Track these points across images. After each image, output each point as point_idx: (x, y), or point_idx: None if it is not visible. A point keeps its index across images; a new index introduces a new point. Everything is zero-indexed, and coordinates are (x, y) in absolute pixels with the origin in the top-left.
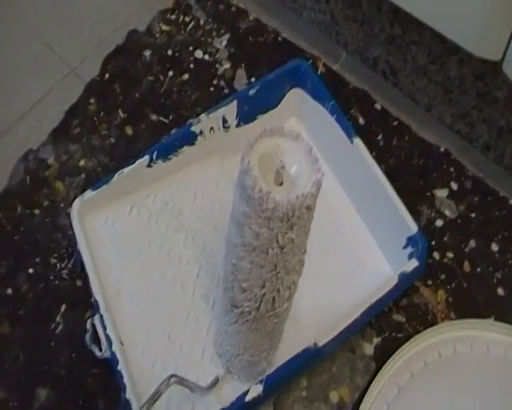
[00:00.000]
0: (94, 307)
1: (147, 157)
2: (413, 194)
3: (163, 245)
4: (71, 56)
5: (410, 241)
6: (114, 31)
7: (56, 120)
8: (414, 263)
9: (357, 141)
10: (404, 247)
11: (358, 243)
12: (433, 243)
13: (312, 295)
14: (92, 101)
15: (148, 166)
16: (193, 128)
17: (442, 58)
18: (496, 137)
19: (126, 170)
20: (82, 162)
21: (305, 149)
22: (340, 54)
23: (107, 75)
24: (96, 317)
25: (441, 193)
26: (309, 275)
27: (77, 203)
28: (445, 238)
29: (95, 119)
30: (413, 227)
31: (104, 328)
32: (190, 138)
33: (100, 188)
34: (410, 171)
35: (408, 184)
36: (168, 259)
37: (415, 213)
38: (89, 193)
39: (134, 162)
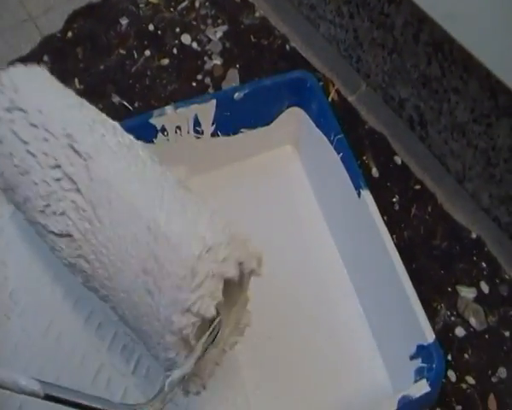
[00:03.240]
0: None
1: None
2: (430, 284)
3: None
4: (33, 3)
5: (422, 352)
6: None
7: None
8: (423, 386)
9: (366, 194)
10: (412, 357)
11: (350, 333)
12: (450, 357)
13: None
14: (46, 59)
15: None
16: (153, 120)
17: (490, 118)
18: None
19: None
20: None
21: None
22: (360, 84)
23: (70, 34)
24: None
25: (467, 292)
26: (290, 363)
27: None
28: (467, 355)
29: None
30: (428, 334)
31: None
32: (148, 132)
33: None
34: (430, 253)
35: (424, 268)
36: None
37: (429, 311)
38: None
39: None
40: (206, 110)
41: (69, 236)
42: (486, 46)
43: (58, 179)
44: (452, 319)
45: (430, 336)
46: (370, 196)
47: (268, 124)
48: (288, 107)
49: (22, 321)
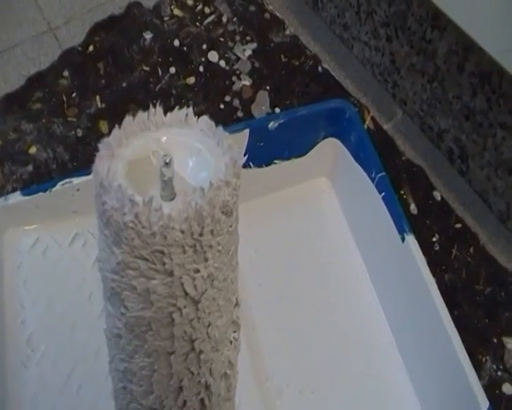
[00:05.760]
0: None
1: None
2: (473, 334)
3: None
4: (53, 12)
5: None
6: None
7: (14, 85)
8: None
9: (411, 240)
10: None
11: (391, 383)
12: None
13: None
14: (66, 74)
15: None
16: None
17: None
18: None
19: (76, 180)
20: (33, 149)
21: (203, 132)
22: (396, 111)
23: (91, 48)
24: None
25: None
26: None
27: None
28: None
29: (64, 98)
30: (482, 401)
31: None
32: None
33: (34, 194)
34: (473, 299)
35: (468, 316)
36: None
37: (473, 364)
38: (17, 197)
39: (90, 173)
40: (239, 140)
41: None
42: None
43: None
44: (499, 374)
45: (483, 404)
46: (415, 242)
47: (303, 155)
48: (324, 138)
49: (40, 370)
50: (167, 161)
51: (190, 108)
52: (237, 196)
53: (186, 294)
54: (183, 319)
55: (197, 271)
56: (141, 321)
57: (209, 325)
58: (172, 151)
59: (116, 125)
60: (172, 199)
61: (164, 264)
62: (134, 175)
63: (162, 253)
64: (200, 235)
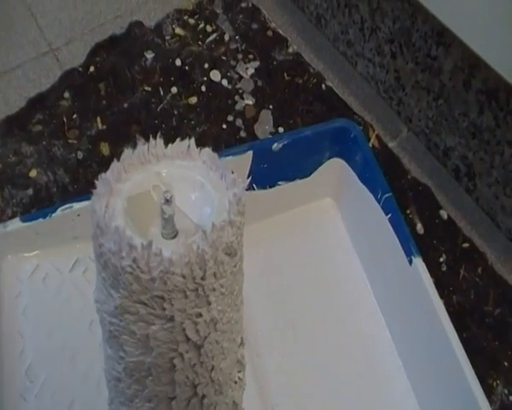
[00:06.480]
0: None
1: None
2: (483, 357)
3: None
4: (54, 33)
5: None
6: (116, 18)
7: (15, 107)
8: None
9: (419, 262)
10: None
11: (399, 409)
12: None
13: None
14: (67, 96)
15: None
16: None
17: None
18: None
19: (77, 206)
20: (33, 173)
21: (206, 164)
22: (401, 129)
23: (92, 68)
24: None
25: None
26: None
27: None
28: None
29: (64, 119)
30: None
31: None
32: None
33: (34, 221)
34: (482, 321)
35: (477, 339)
36: None
37: (484, 389)
38: (16, 223)
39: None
40: (242, 162)
41: None
42: None
43: None
44: (511, 399)
45: None
46: (423, 265)
47: (307, 176)
48: (328, 158)
49: (40, 403)
50: (168, 198)
51: (192, 140)
52: (242, 235)
53: (188, 339)
54: (184, 365)
55: (199, 315)
56: (140, 366)
57: (212, 369)
58: (174, 185)
59: (115, 160)
60: (174, 237)
61: (164, 309)
62: (134, 212)
63: (162, 298)
64: (203, 279)
